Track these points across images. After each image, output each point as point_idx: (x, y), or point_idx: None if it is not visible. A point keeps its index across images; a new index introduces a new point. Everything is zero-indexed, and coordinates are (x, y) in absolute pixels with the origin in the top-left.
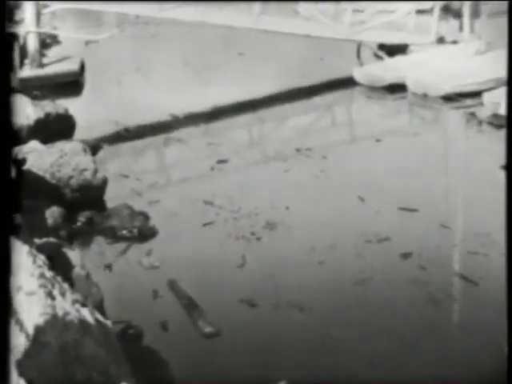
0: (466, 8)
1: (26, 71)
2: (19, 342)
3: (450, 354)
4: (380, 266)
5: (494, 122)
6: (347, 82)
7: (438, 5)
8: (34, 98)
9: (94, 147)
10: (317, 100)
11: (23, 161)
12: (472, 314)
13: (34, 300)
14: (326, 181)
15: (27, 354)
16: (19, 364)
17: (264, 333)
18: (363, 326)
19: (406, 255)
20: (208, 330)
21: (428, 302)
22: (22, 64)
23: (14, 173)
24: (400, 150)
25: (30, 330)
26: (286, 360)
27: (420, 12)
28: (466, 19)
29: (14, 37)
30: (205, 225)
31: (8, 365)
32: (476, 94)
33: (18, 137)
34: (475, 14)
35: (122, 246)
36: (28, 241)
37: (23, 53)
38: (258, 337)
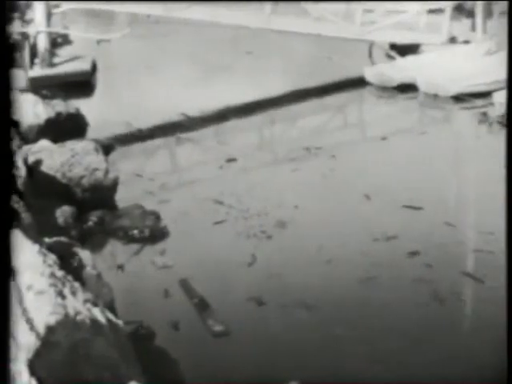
0: (479, 7)
1: (36, 70)
2: (29, 342)
3: (456, 353)
4: (387, 264)
5: (504, 121)
6: (357, 82)
7: (450, 5)
8: (44, 97)
9: (106, 147)
10: (327, 100)
11: (37, 162)
12: (477, 311)
13: (44, 299)
14: (334, 180)
15: (37, 353)
16: (30, 363)
17: (272, 331)
18: (370, 325)
19: (412, 253)
20: (217, 329)
21: (434, 299)
22: (32, 64)
23: (24, 172)
24: (409, 150)
25: (41, 329)
26: (294, 359)
27: (432, 12)
28: (478, 19)
29: (24, 36)
30: (215, 224)
31: (7, 364)
32: (487, 94)
33: (24, 136)
34: (488, 13)
35: (135, 246)
36: (38, 240)
37: (33, 52)
38: (266, 335)
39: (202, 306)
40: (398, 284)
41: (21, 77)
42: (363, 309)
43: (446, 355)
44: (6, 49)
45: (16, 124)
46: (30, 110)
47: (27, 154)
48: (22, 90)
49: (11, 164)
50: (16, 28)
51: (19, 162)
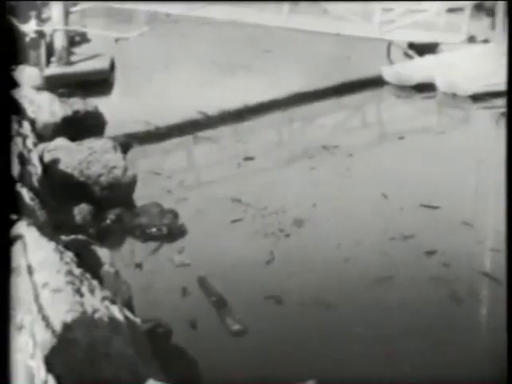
0: (500, 6)
1: (53, 69)
2: (45, 339)
3: (473, 353)
4: (404, 263)
5: None
6: (376, 81)
7: (470, 4)
8: (61, 95)
9: (124, 145)
10: (345, 99)
11: (54, 161)
12: (495, 311)
13: (60, 297)
14: (352, 178)
15: (54, 350)
16: (47, 360)
17: (290, 330)
18: (387, 324)
19: (429, 253)
20: (236, 327)
21: (451, 299)
22: (48, 62)
23: (39, 170)
24: (427, 149)
25: (57, 327)
26: (312, 358)
27: (451, 10)
28: (498, 17)
29: (40, 35)
30: (233, 222)
31: (8, 364)
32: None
33: (40, 134)
34: (509, 12)
35: (153, 244)
36: (54, 237)
37: (50, 51)
38: (284, 334)
39: (220, 304)
40: (415, 283)
41: (36, 75)
42: (381, 308)
43: (463, 355)
44: (5, 47)
45: (32, 122)
46: (46, 108)
47: (43, 151)
48: (38, 89)
49: (9, 166)
50: (32, 26)
51: (35, 160)
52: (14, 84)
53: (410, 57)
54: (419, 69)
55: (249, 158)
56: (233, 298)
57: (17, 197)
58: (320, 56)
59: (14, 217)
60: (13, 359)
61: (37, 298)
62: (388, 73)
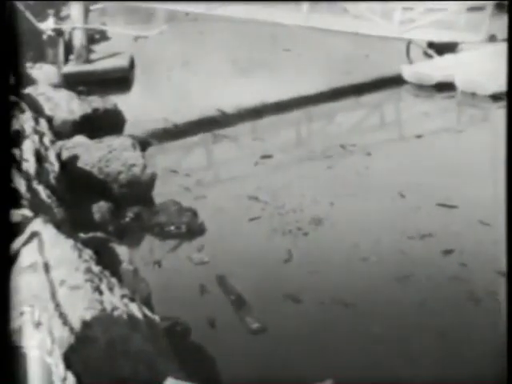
0: None
1: (71, 67)
2: (63, 336)
3: (491, 352)
4: (422, 262)
5: None
6: (395, 80)
7: (491, 2)
8: (79, 93)
9: (143, 143)
10: (364, 98)
11: (73, 157)
12: None
13: (79, 294)
14: (369, 177)
15: (74, 347)
16: (66, 357)
17: (308, 329)
18: (405, 324)
19: (447, 252)
20: (255, 326)
21: (469, 299)
22: (67, 60)
23: (57, 167)
24: (445, 148)
25: (76, 324)
26: (330, 357)
27: (472, 9)
28: None
29: (58, 33)
30: (251, 220)
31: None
32: None
33: (58, 131)
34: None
35: (171, 242)
36: (71, 235)
37: (69, 49)
38: (303, 333)
39: (239, 302)
40: (433, 283)
41: (54, 73)
42: (399, 307)
43: (481, 355)
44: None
45: (49, 119)
46: (64, 105)
47: (61, 149)
48: (56, 86)
49: (8, 163)
50: (50, 25)
51: (52, 158)
52: (19, 83)
53: (429, 56)
54: (439, 68)
55: (267, 156)
56: (251, 296)
57: (17, 192)
58: (339, 55)
59: (29, 213)
60: (28, 356)
61: (54, 295)
62: (407, 72)
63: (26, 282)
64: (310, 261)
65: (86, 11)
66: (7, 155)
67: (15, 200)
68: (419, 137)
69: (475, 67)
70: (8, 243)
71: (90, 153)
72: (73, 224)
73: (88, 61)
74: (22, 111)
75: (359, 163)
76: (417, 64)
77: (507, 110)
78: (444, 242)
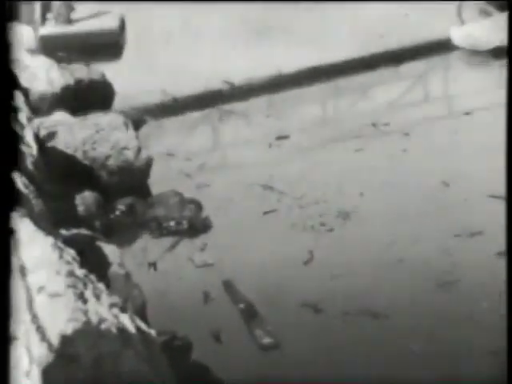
0: None
1: (49, 28)
2: (41, 353)
3: None
4: (471, 265)
5: None
6: (442, 45)
7: None
8: (60, 60)
9: (136, 121)
10: (404, 67)
11: (51, 135)
12: None
13: (60, 303)
14: (407, 162)
15: (52, 367)
16: (44, 379)
17: (330, 344)
18: (450, 340)
19: (501, 253)
20: (266, 340)
21: None
22: (44, 19)
23: (35, 150)
24: (498, 128)
25: (55, 340)
26: (356, 377)
27: None
28: None
29: None
30: (265, 214)
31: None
32: None
33: (35, 107)
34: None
35: (169, 240)
36: (52, 232)
37: (46, 6)
38: (323, 349)
39: (249, 312)
40: (483, 290)
41: (30, 35)
42: (441, 319)
43: None
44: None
45: (24, 92)
46: (43, 75)
47: (39, 128)
48: (32, 52)
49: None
50: None
51: (29, 138)
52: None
53: (487, 14)
54: (498, 29)
55: (283, 137)
56: (263, 305)
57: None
58: (373, 15)
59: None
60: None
61: (30, 304)
62: (458, 35)
63: None
64: (335, 263)
65: None
66: None
67: None
68: (469, 113)
69: None
70: None
71: (72, 133)
72: (53, 218)
73: (69, 21)
74: None
75: (395, 145)
76: (470, 24)
77: (507, 109)
78: (497, 242)
